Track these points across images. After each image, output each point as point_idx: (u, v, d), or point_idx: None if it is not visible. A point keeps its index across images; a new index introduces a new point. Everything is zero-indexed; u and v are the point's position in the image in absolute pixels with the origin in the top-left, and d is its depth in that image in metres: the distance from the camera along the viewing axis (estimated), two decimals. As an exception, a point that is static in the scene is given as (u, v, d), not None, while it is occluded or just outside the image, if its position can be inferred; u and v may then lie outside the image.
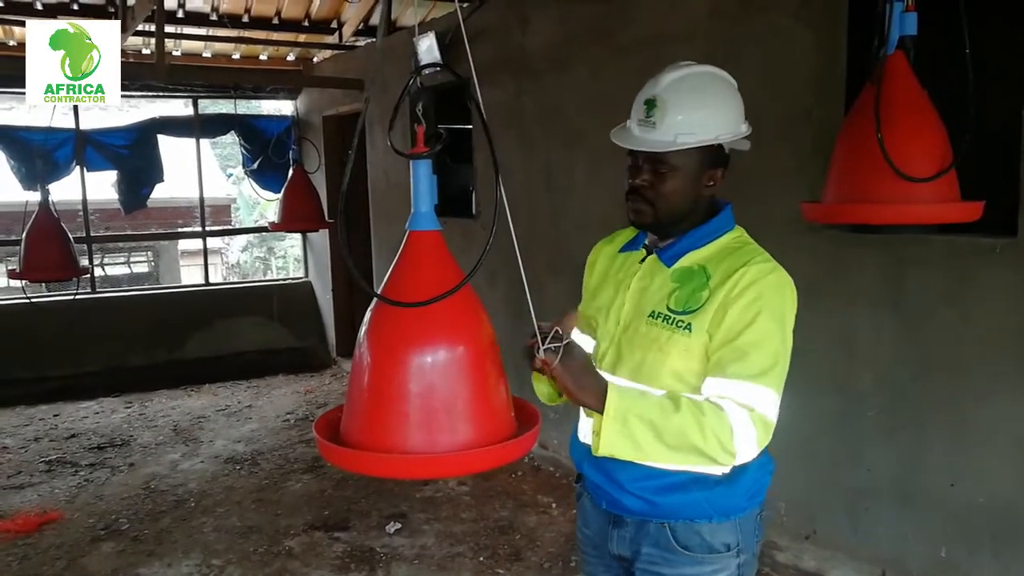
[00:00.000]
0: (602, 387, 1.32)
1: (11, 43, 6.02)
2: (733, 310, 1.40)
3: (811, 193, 2.54)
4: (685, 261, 1.50)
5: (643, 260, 1.57)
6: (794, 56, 2.99)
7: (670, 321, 1.44)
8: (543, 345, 1.27)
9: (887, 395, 2.82)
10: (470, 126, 5.03)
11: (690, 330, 1.42)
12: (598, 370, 1.40)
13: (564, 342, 1.28)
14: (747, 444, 1.36)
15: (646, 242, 1.59)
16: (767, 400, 1.39)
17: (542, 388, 1.61)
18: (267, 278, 13.91)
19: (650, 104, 1.45)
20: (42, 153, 6.00)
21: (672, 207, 1.48)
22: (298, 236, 8.49)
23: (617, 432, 1.31)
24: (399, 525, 3.83)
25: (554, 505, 4.02)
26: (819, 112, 2.91)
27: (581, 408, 1.57)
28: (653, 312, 1.48)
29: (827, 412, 3.00)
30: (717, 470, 1.45)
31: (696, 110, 1.44)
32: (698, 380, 1.43)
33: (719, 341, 1.41)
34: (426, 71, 1.17)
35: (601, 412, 1.31)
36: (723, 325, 1.40)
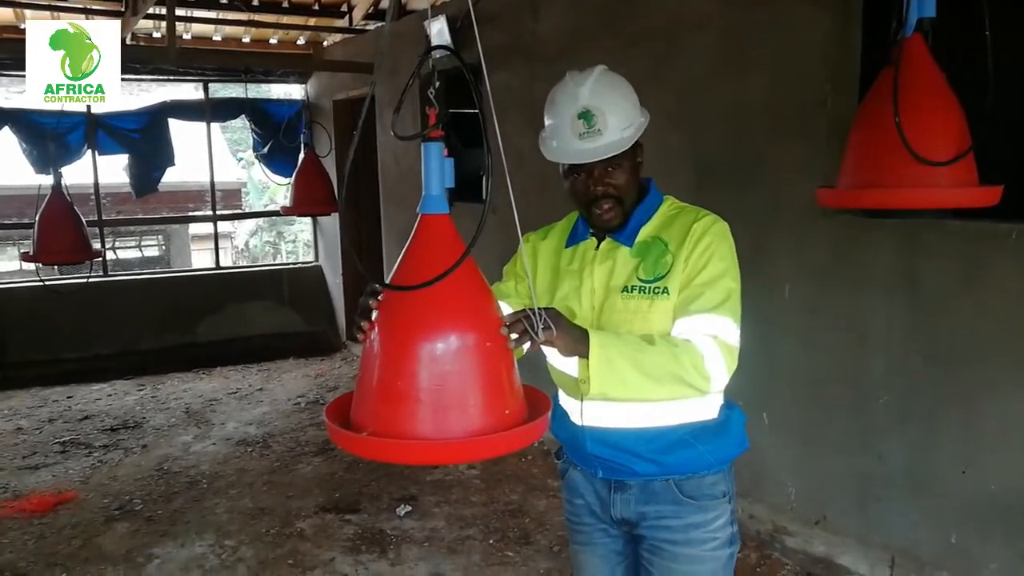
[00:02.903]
0: (585, 335, 1.43)
1: (23, 26, 6.02)
2: (691, 261, 1.57)
3: (826, 179, 2.51)
4: (639, 236, 1.64)
5: (597, 247, 1.68)
6: (809, 42, 2.95)
7: (646, 290, 1.58)
8: (540, 326, 1.32)
9: (899, 382, 2.81)
10: (475, 111, 5.00)
11: (668, 293, 1.56)
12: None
13: (545, 311, 1.35)
14: (717, 366, 1.49)
15: (591, 231, 1.70)
16: (727, 327, 1.53)
17: None
18: (277, 262, 13.96)
19: (587, 116, 1.55)
20: (54, 136, 6.03)
21: (631, 197, 1.64)
22: (307, 220, 8.50)
23: (605, 372, 1.41)
24: (409, 508, 3.86)
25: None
26: (834, 99, 2.87)
27: (561, 394, 1.74)
28: (626, 287, 1.60)
29: (838, 398, 2.99)
30: (707, 412, 1.63)
31: (622, 104, 1.59)
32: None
33: (680, 287, 1.57)
34: (435, 54, 1.16)
35: (587, 357, 1.41)
36: (684, 275, 1.57)
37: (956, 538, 2.68)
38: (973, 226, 2.56)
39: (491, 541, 3.53)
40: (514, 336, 1.24)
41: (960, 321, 2.62)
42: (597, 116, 1.54)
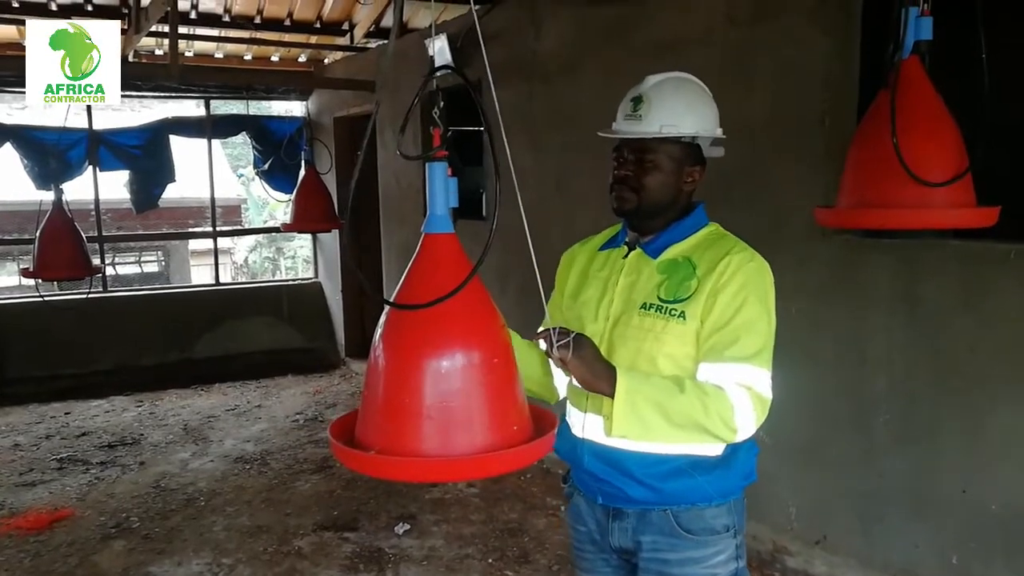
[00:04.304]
0: (612, 373, 1.41)
1: (25, 43, 6.06)
2: (722, 298, 1.50)
3: (824, 198, 2.53)
4: (669, 253, 1.60)
5: (626, 256, 1.65)
6: (808, 61, 2.98)
7: (663, 311, 1.53)
8: (556, 342, 1.33)
9: (900, 401, 2.81)
10: (481, 128, 5.04)
11: (684, 318, 1.51)
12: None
13: (572, 335, 1.37)
14: (747, 420, 1.46)
15: (627, 239, 1.67)
16: (762, 379, 1.49)
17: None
18: (277, 278, 13.97)
19: (636, 100, 1.58)
20: (56, 153, 6.05)
21: (655, 197, 1.58)
22: (307, 236, 8.51)
23: (628, 414, 1.40)
24: (408, 526, 3.84)
25: (563, 508, 4.00)
26: (833, 117, 2.90)
27: (569, 405, 1.70)
28: (645, 304, 1.56)
29: (839, 417, 2.99)
30: (712, 449, 1.56)
31: (678, 106, 1.56)
32: (692, 363, 1.53)
33: (711, 328, 1.50)
34: (439, 73, 1.18)
35: (612, 396, 1.39)
36: (713, 312, 1.50)
37: (957, 558, 2.67)
38: (972, 246, 2.57)
39: (490, 560, 3.51)
40: (543, 348, 1.30)
41: (960, 340, 2.63)
42: (644, 103, 1.55)
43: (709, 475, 1.56)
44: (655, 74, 1.61)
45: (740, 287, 1.50)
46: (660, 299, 1.55)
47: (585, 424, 1.63)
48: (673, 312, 1.52)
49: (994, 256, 2.52)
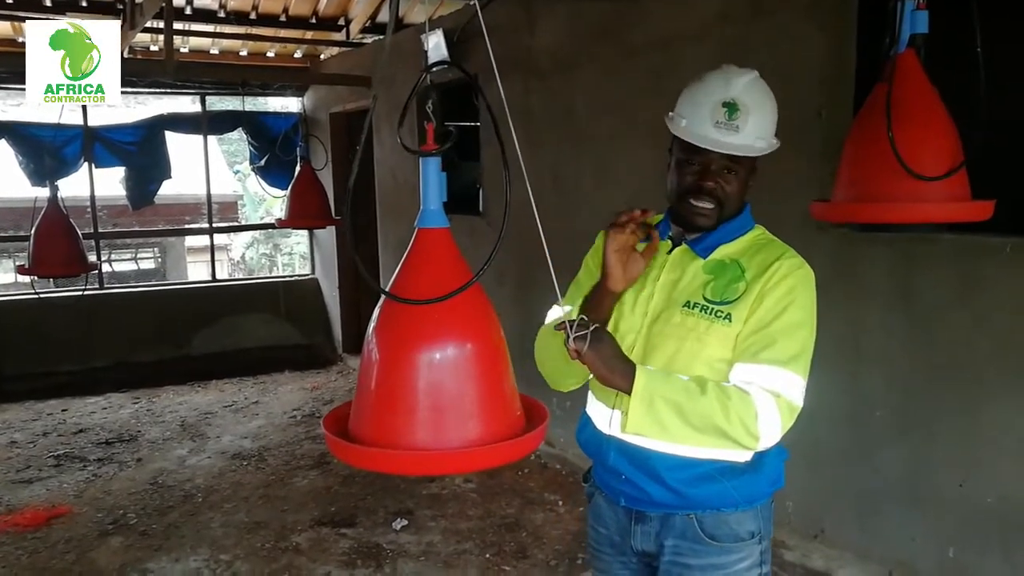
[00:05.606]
0: (630, 369, 1.37)
1: (20, 40, 6.04)
2: (767, 301, 1.46)
3: (820, 192, 2.53)
4: (718, 254, 1.54)
5: (670, 251, 1.58)
6: (804, 56, 2.98)
7: (709, 311, 1.48)
8: (572, 333, 1.31)
9: (896, 395, 2.82)
10: (478, 123, 5.03)
11: (730, 320, 1.47)
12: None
13: (591, 328, 1.33)
14: (771, 427, 1.41)
15: (670, 234, 1.61)
16: (794, 385, 1.43)
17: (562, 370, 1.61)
18: (274, 275, 13.95)
19: (731, 107, 1.46)
20: (51, 149, 6.03)
21: (732, 209, 1.54)
22: (304, 233, 8.50)
23: (643, 413, 1.37)
24: (405, 522, 3.84)
25: (560, 503, 4.02)
26: (829, 112, 2.90)
27: (591, 398, 1.64)
28: (688, 302, 1.51)
29: (836, 412, 3.00)
30: (741, 455, 1.51)
31: (767, 117, 1.51)
32: (728, 368, 1.48)
33: (751, 328, 1.46)
34: (436, 68, 1.17)
35: (629, 393, 1.36)
36: (756, 314, 1.46)
37: (954, 551, 2.68)
38: (967, 240, 2.57)
39: (488, 555, 3.51)
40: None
41: (956, 334, 2.64)
42: (741, 112, 1.46)
43: (737, 480, 1.52)
44: (733, 70, 1.50)
45: (788, 291, 1.46)
46: (706, 299, 1.49)
47: (612, 420, 1.58)
48: (719, 314, 1.47)
49: (989, 250, 2.52)
